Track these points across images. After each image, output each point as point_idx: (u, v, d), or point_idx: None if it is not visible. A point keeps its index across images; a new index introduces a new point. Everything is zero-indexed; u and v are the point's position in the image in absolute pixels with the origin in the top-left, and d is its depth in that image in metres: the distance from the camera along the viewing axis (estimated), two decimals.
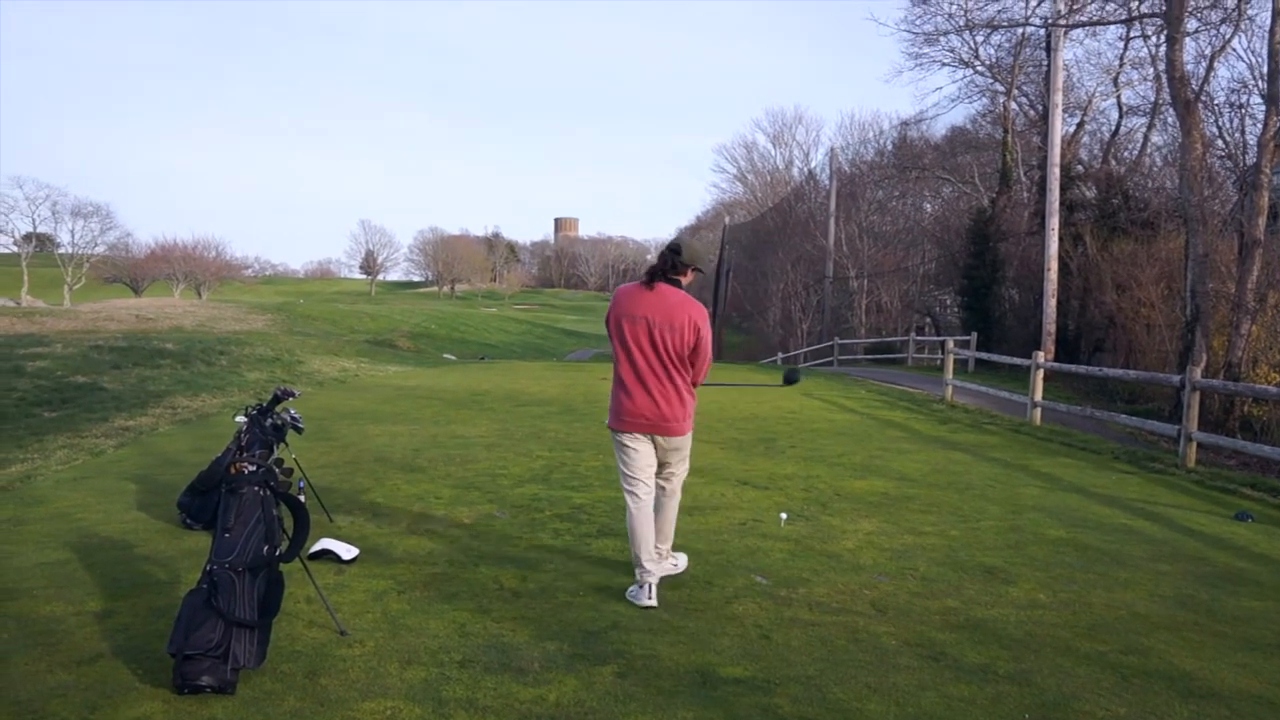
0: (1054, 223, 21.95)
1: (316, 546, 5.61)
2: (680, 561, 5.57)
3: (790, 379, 5.95)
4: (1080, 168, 28.45)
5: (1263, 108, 17.99)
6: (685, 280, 5.05)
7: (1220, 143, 23.62)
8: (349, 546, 5.69)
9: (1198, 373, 10.58)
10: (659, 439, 5.07)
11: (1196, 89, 18.94)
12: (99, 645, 4.20)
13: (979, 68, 31.63)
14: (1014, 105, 30.50)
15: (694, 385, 5.13)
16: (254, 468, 4.26)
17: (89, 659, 4.05)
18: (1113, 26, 24.91)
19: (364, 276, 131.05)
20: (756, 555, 5.96)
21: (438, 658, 4.15)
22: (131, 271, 78.59)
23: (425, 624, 4.57)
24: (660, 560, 5.24)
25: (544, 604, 4.92)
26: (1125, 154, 30.24)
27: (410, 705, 3.67)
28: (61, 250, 78.35)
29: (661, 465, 5.20)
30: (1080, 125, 29.59)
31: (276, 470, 4.43)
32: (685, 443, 5.17)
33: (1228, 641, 4.67)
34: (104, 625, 4.45)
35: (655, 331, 4.89)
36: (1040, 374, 13.88)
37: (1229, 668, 4.31)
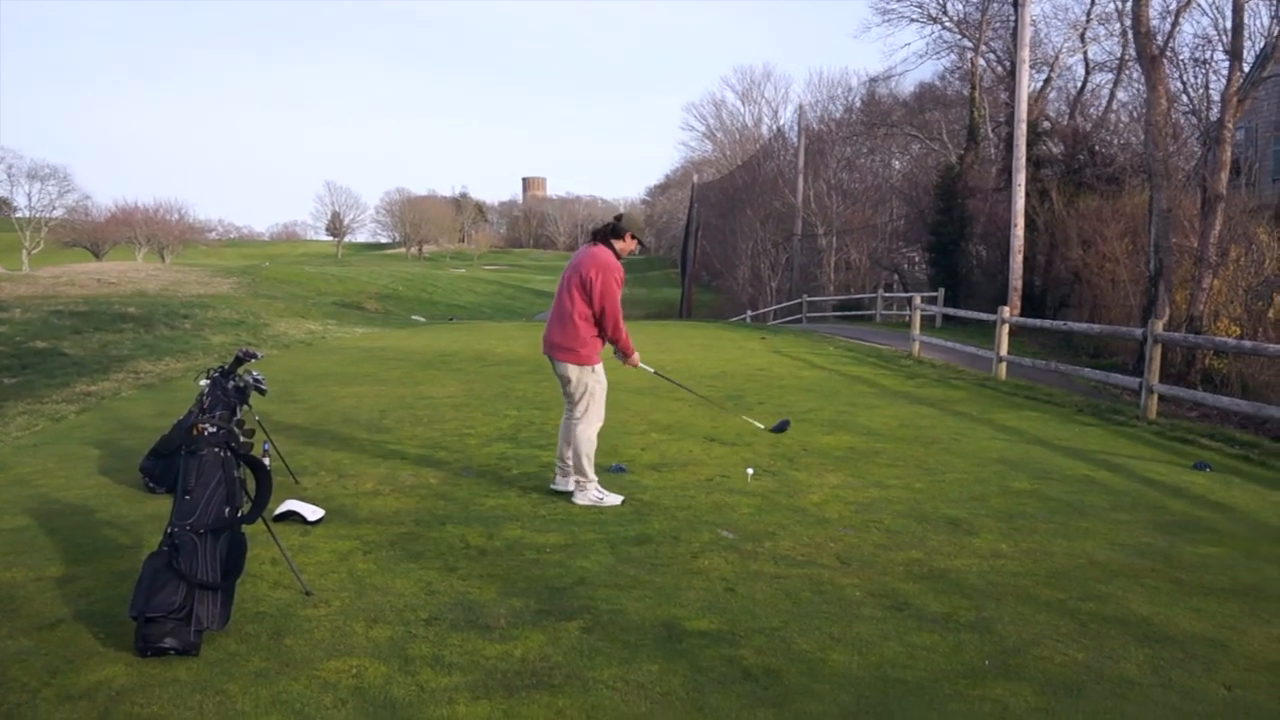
0: (1021, 179, 22.03)
1: (282, 508, 5.58)
2: (591, 496, 6.10)
3: (780, 428, 7.50)
4: (1047, 124, 28.52)
5: (1226, 63, 18.07)
6: (623, 246, 6.08)
7: (1185, 98, 23.72)
8: (314, 508, 5.67)
9: (1159, 326, 10.72)
10: (552, 361, 6.10)
11: (1161, 44, 19.00)
12: (60, 610, 4.17)
13: (947, 23, 31.64)
14: (982, 61, 30.48)
15: (614, 339, 6.04)
16: (214, 429, 4.21)
17: (50, 624, 4.01)
18: None
19: (330, 239, 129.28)
20: (723, 510, 6.00)
21: (404, 616, 4.15)
22: (92, 235, 77.00)
23: (391, 583, 4.56)
24: (566, 463, 6.25)
25: (510, 561, 4.93)
26: (1091, 110, 30.39)
27: (376, 663, 3.68)
28: (18, 214, 76.73)
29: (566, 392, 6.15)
30: (1047, 81, 29.67)
31: (237, 431, 4.38)
32: (570, 373, 6.02)
33: (1183, 587, 4.76)
34: (65, 590, 4.41)
35: (568, 273, 6.04)
36: (1006, 329, 14.00)
37: (1184, 612, 4.40)
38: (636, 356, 6.29)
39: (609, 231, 6.10)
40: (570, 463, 6.26)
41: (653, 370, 6.99)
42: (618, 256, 6.05)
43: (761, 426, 7.88)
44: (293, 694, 3.42)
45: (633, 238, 6.09)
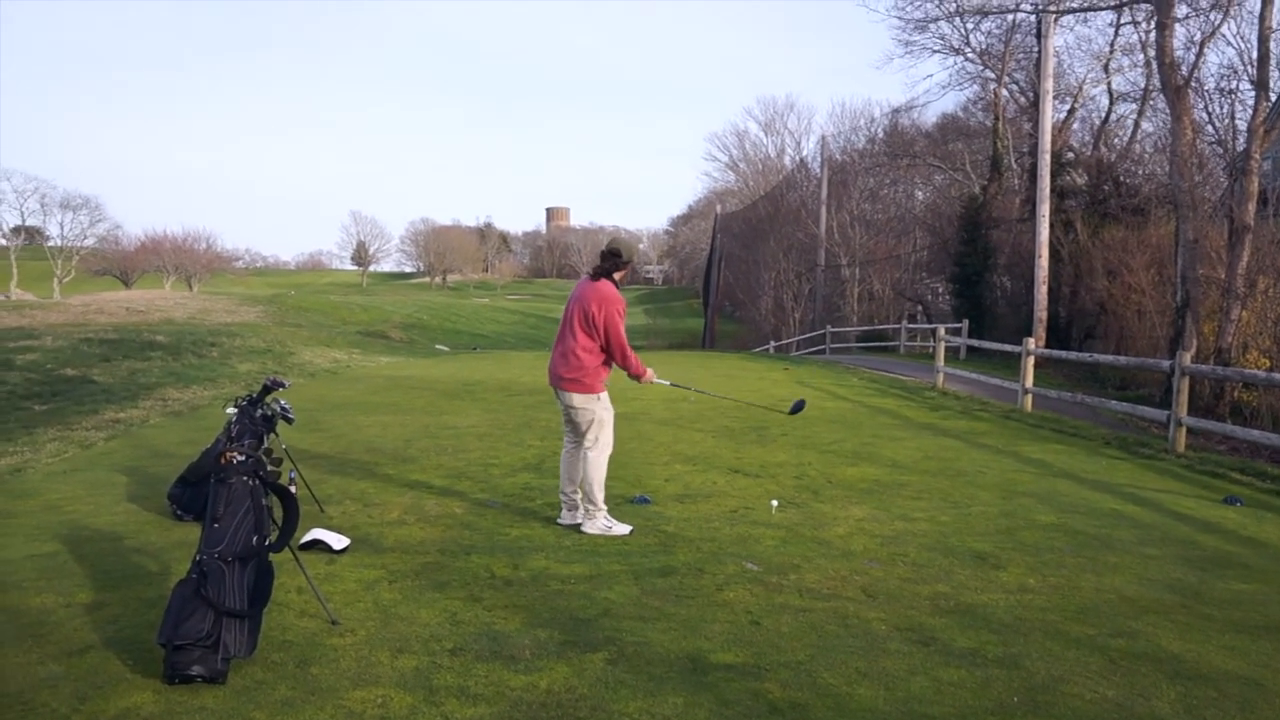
0: (1045, 210, 21.98)
1: (308, 537, 5.61)
2: (600, 524, 6.17)
3: (797, 409, 7.31)
4: (1071, 154, 28.48)
5: (1252, 93, 18.02)
6: (620, 275, 6.21)
7: (1210, 129, 23.69)
8: (340, 536, 5.69)
9: (1188, 358, 10.61)
10: (558, 392, 6.17)
11: (1186, 75, 18.95)
12: (89, 636, 4.20)
13: (970, 55, 31.65)
14: (1005, 92, 30.52)
15: (623, 368, 6.18)
16: (243, 457, 4.25)
17: (79, 650, 4.05)
18: (1103, 12, 24.93)
19: (355, 268, 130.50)
20: (748, 542, 5.98)
21: (429, 646, 4.15)
22: (121, 264, 78.18)
23: (416, 613, 4.57)
24: (567, 498, 6.33)
25: (535, 592, 4.93)
26: (1116, 140, 30.30)
27: (401, 693, 3.68)
28: (51, 243, 78.16)
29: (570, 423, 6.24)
30: (1071, 112, 29.62)
31: (266, 460, 4.42)
32: (578, 403, 6.09)
33: (1215, 624, 4.69)
34: (94, 617, 4.45)
35: (572, 306, 6.13)
36: (1031, 360, 13.92)
37: (1216, 649, 4.34)
38: (650, 373, 6.33)
39: (610, 267, 6.18)
40: (575, 497, 6.33)
41: (669, 383, 7.06)
42: (617, 286, 6.18)
43: (782, 411, 7.89)
44: None
45: (626, 263, 6.21)
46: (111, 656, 3.98)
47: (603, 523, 6.17)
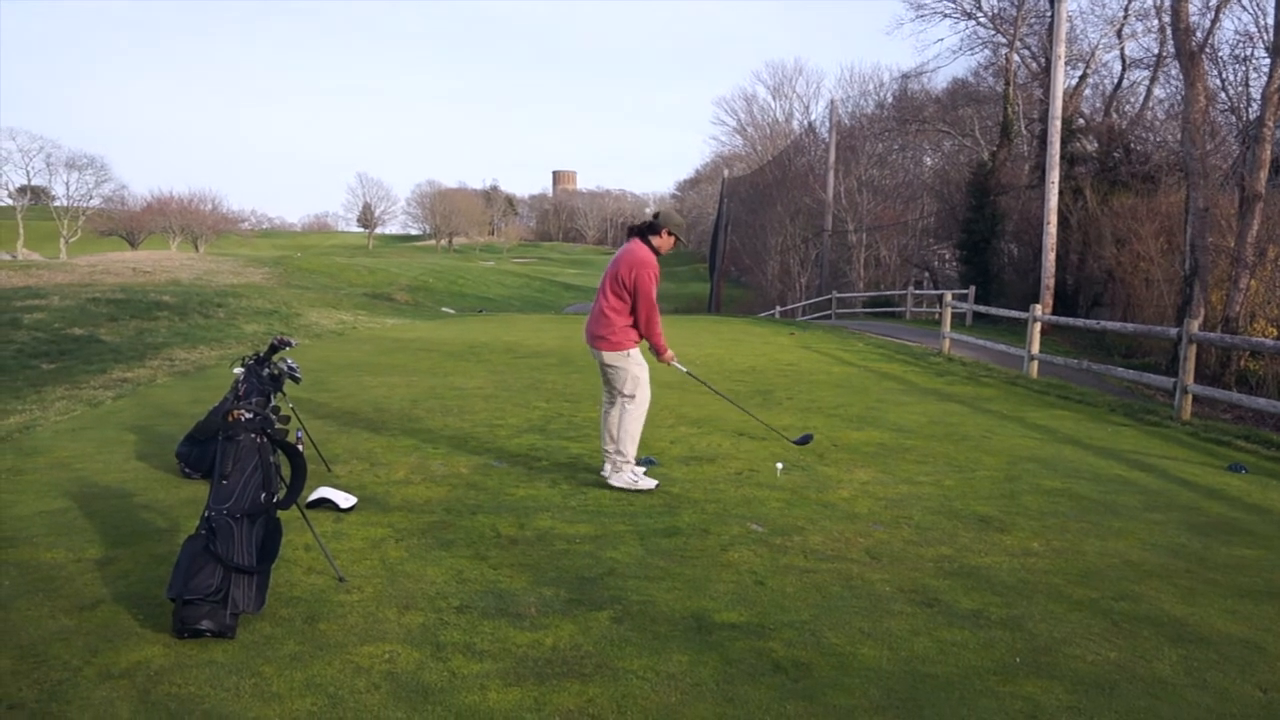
0: (1054, 176, 21.80)
1: (315, 495, 5.64)
2: (627, 478, 6.26)
3: (804, 441, 7.22)
4: (1082, 121, 28.23)
5: (1267, 60, 17.81)
6: (660, 242, 6.22)
7: (1223, 96, 23.42)
8: (347, 495, 5.72)
9: (1195, 326, 10.58)
10: (592, 350, 6.25)
11: (1201, 41, 18.73)
12: (100, 591, 4.24)
13: (981, 19, 31.33)
14: (1016, 57, 30.18)
15: (647, 334, 6.20)
16: (251, 415, 4.27)
17: (90, 604, 4.09)
18: None
19: (361, 230, 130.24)
20: (753, 504, 6.00)
21: (435, 603, 4.19)
22: (128, 224, 78.10)
23: (423, 571, 4.60)
24: (609, 454, 6.31)
25: (541, 551, 4.96)
26: (1127, 107, 30.02)
27: (408, 649, 3.71)
28: (57, 203, 77.95)
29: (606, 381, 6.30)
30: (1083, 78, 29.33)
31: (273, 418, 4.43)
32: (609, 360, 6.17)
33: (1218, 588, 4.71)
34: (104, 572, 4.49)
35: (610, 268, 6.21)
36: (1038, 327, 13.88)
37: (1218, 613, 4.36)
38: (671, 354, 6.48)
39: (646, 228, 6.26)
40: (609, 446, 6.38)
41: (685, 370, 7.00)
42: (656, 253, 6.20)
43: (788, 439, 7.57)
44: (326, 677, 3.47)
45: (670, 234, 6.24)
46: (122, 611, 4.02)
47: (629, 476, 6.26)
